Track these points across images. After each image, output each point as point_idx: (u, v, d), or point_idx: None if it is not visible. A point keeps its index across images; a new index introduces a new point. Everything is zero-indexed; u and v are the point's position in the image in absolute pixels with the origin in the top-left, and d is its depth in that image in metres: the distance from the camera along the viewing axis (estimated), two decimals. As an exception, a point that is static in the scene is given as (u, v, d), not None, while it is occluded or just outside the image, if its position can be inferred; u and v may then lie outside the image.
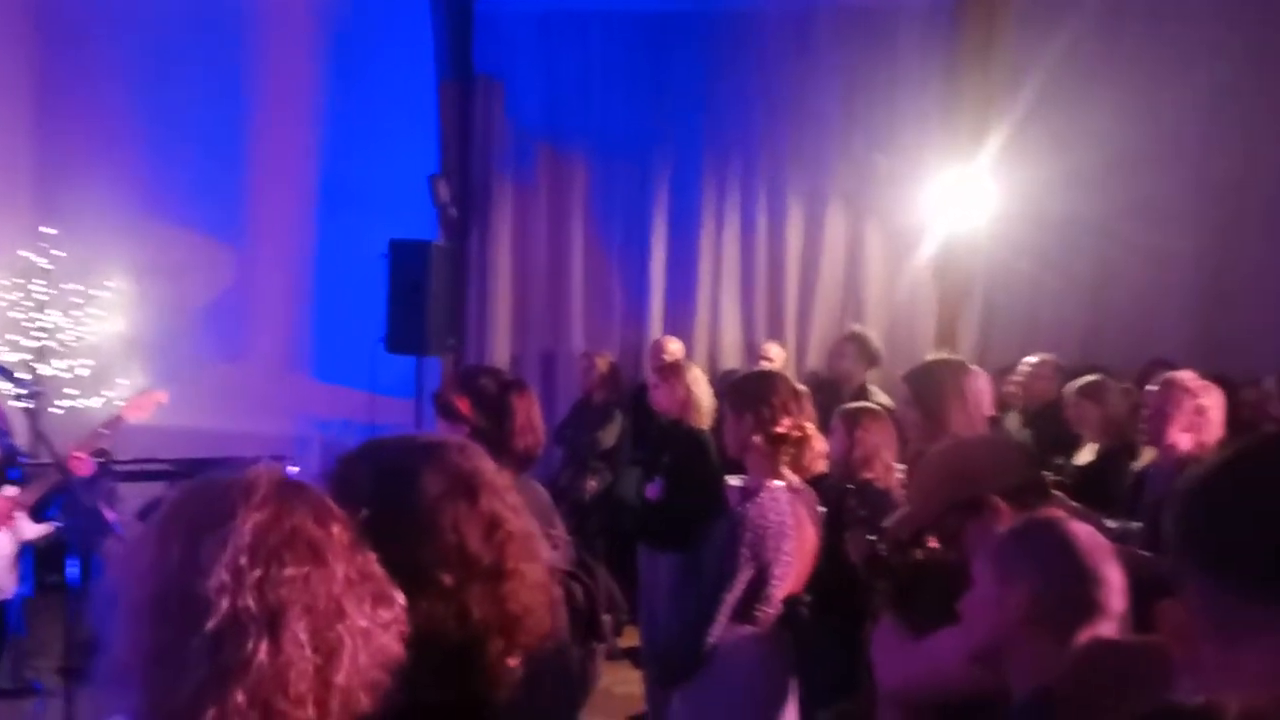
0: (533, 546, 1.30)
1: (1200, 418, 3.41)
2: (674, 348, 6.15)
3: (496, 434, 2.55)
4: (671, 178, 7.14)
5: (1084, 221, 6.30)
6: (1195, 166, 6.36)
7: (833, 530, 3.01)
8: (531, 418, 2.65)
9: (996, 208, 6.44)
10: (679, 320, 7.08)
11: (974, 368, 3.34)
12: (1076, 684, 1.51)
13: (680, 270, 7.18)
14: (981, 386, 3.32)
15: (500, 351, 7.27)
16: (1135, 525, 3.27)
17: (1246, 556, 0.92)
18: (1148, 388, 3.78)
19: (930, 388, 3.00)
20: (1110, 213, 6.24)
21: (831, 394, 5.29)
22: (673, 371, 4.90)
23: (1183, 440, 3.42)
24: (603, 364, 6.37)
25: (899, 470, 3.50)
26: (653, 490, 4.79)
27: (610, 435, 6.12)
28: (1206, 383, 3.55)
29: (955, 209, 6.52)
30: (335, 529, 0.93)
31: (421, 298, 6.30)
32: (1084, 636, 1.55)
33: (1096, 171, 6.12)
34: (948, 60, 6.66)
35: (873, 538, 2.45)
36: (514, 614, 1.24)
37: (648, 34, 7.08)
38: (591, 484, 6.00)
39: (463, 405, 2.62)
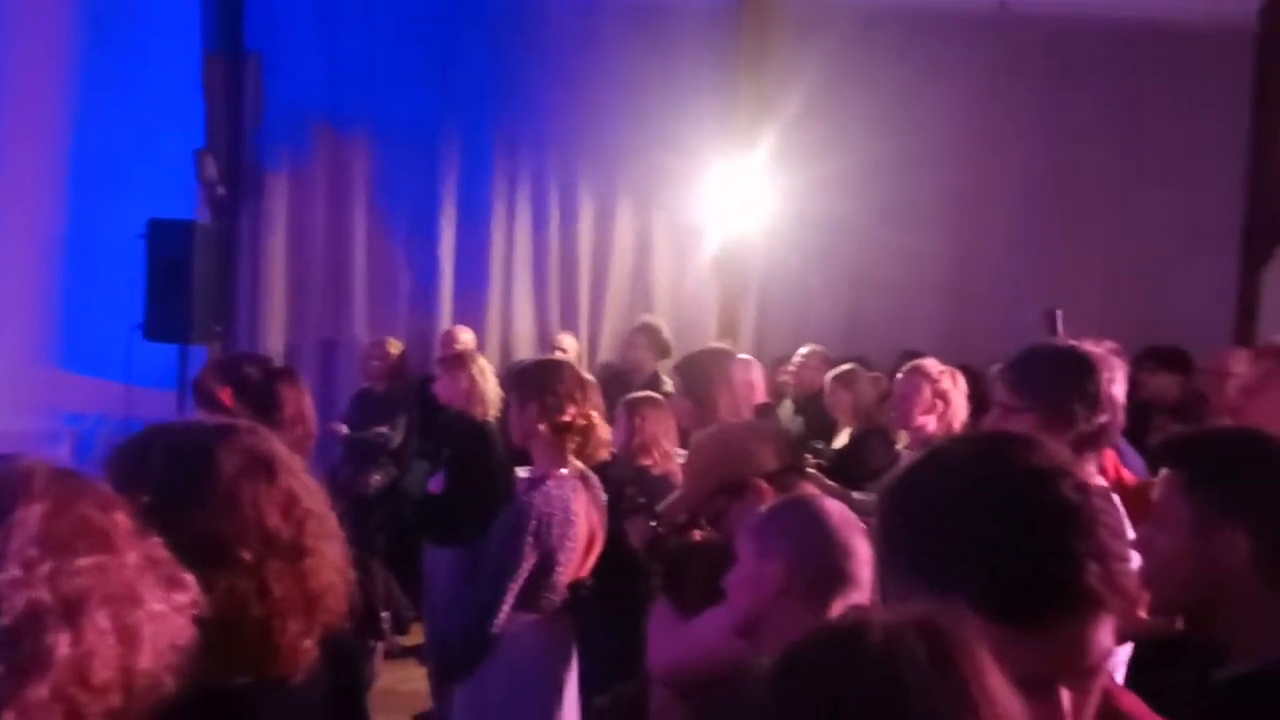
0: (331, 526, 1.31)
1: (942, 401, 3.73)
2: (466, 338, 6.08)
3: (263, 426, 2.43)
4: (461, 164, 7.03)
5: (845, 222, 6.74)
6: (943, 174, 6.93)
7: (616, 516, 3.08)
8: (302, 408, 2.55)
9: (771, 207, 6.79)
10: (470, 310, 7.00)
11: (743, 356, 3.52)
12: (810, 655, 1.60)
13: (471, 259, 7.09)
14: (750, 375, 3.50)
15: (274, 340, 6.92)
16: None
17: (928, 556, 0.97)
18: (897, 376, 4.10)
19: (698, 376, 3.14)
20: (868, 215, 6.71)
21: (624, 384, 5.41)
22: (457, 362, 4.85)
23: (928, 423, 3.73)
24: (395, 350, 6.21)
25: (680, 456, 3.62)
26: (435, 484, 4.72)
27: (395, 428, 5.97)
28: (948, 369, 3.89)
29: (734, 207, 6.82)
30: (119, 515, 0.91)
31: (184, 281, 5.92)
32: (838, 606, 1.64)
33: (856, 175, 6.55)
34: (727, 62, 6.93)
35: (655, 523, 2.53)
36: (314, 592, 1.25)
37: (434, 16, 6.94)
38: (375, 478, 5.83)
39: (224, 395, 2.50)
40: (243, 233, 6.95)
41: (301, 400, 2.55)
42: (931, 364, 3.94)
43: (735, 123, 6.84)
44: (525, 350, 6.97)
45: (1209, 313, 6.86)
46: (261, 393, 2.49)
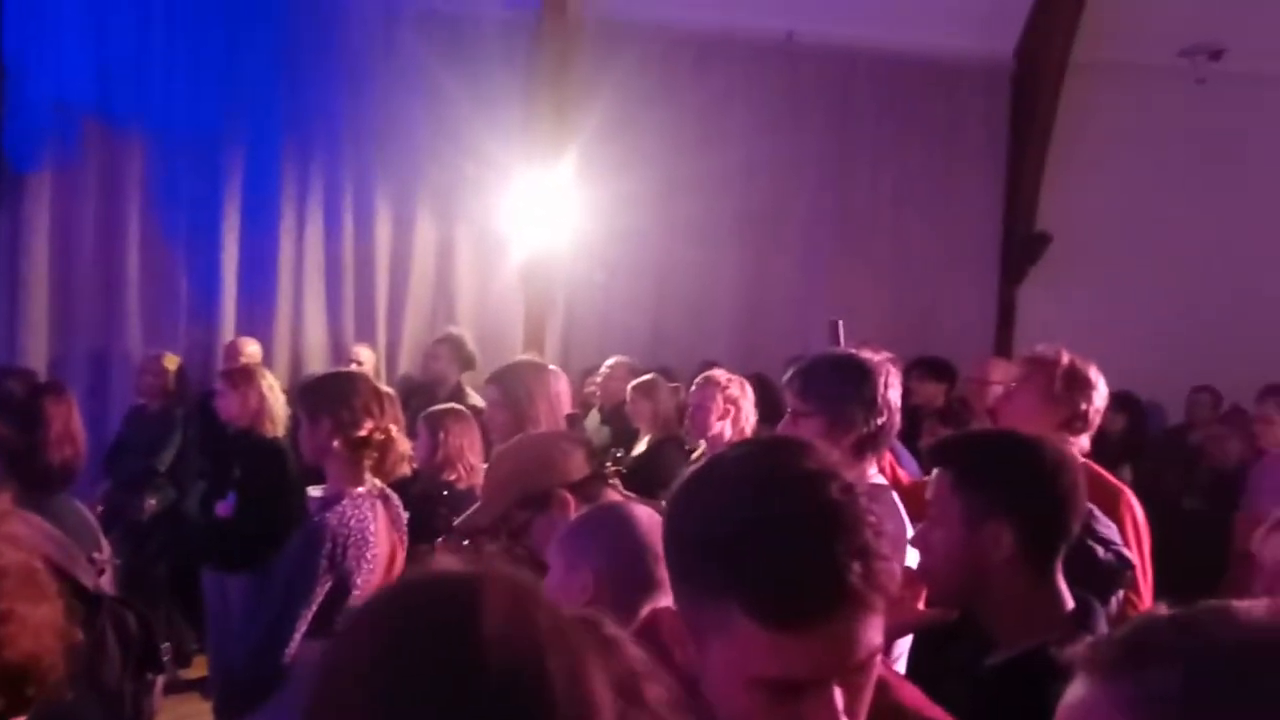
0: (38, 584, 1.13)
1: (733, 408, 3.90)
2: (251, 350, 5.77)
3: (26, 446, 2.22)
4: (246, 167, 6.66)
5: (648, 237, 6.91)
6: (737, 195, 7.23)
7: (417, 535, 3.00)
8: (70, 427, 2.34)
9: (576, 219, 6.85)
10: (256, 321, 6.64)
11: (553, 368, 3.52)
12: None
13: (257, 268, 6.73)
14: (561, 387, 3.51)
15: (36, 352, 6.30)
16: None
17: (703, 561, 0.98)
18: (692, 387, 4.24)
19: (518, 388, 3.11)
20: (669, 230, 6.92)
21: (426, 397, 5.28)
22: (243, 377, 4.59)
23: (722, 430, 3.88)
24: (171, 366, 5.80)
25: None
26: (223, 507, 4.46)
27: (171, 447, 5.57)
28: (735, 378, 4.08)
29: (540, 218, 6.84)
30: None
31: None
32: (646, 610, 1.65)
33: (657, 192, 6.75)
34: (528, 75, 6.95)
35: (464, 540, 2.48)
36: (13, 663, 1.07)
37: (217, 11, 6.56)
38: (150, 502, 5.41)
39: (-18, 413, 2.25)
40: (1, 235, 6.32)
41: (69, 417, 2.33)
42: (721, 374, 4.11)
43: (539, 135, 6.86)
44: (317, 363, 6.69)
45: (972, 326, 7.49)
46: (24, 410, 2.26)
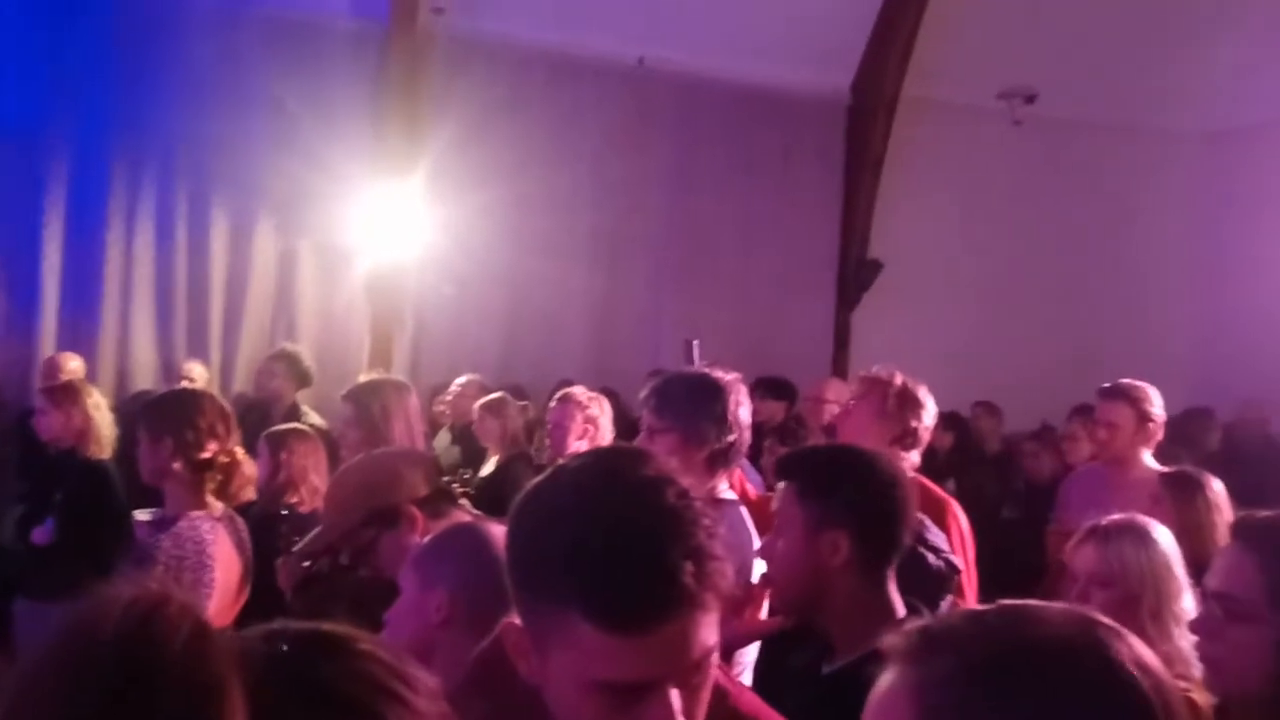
0: None
1: (592, 427, 3.94)
2: (73, 366, 5.40)
3: None
4: (71, 173, 6.27)
5: (500, 253, 6.90)
6: (588, 213, 7.33)
7: (261, 559, 2.89)
8: None
9: (425, 234, 6.76)
10: (80, 336, 6.23)
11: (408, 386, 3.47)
12: (481, 684, 1.61)
13: (81, 279, 6.32)
14: (416, 405, 3.46)
15: None
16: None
17: (542, 570, 1.01)
18: (550, 405, 4.26)
19: (374, 406, 3.05)
20: (522, 247, 6.92)
21: (261, 415, 5.08)
22: (66, 394, 4.31)
23: (581, 449, 3.91)
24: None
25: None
26: (41, 534, 4.16)
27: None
28: (596, 395, 4.12)
29: (386, 234, 6.71)
30: None
31: None
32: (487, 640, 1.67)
33: (509, 208, 6.75)
34: (377, 86, 6.83)
35: (306, 563, 2.41)
36: None
37: (44, 2, 6.15)
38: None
39: None
40: None
41: None
42: (581, 392, 4.14)
43: (387, 147, 6.75)
44: (145, 380, 6.34)
45: (809, 347, 7.82)
46: None
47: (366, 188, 6.60)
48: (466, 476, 4.69)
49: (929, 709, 0.74)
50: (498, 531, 1.76)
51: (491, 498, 4.02)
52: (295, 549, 2.38)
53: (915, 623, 0.80)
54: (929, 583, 2.19)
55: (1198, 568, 2.33)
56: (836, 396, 5.16)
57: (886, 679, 0.79)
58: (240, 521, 2.85)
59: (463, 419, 5.70)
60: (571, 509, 1.02)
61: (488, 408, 5.00)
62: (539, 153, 6.97)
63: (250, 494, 3.51)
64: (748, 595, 2.19)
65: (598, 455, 1.18)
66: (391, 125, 6.79)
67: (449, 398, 5.96)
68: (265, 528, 3.07)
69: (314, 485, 3.55)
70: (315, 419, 5.03)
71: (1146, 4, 7.54)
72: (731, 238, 7.81)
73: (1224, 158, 8.45)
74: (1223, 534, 3.09)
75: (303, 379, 5.63)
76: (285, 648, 0.72)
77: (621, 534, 0.98)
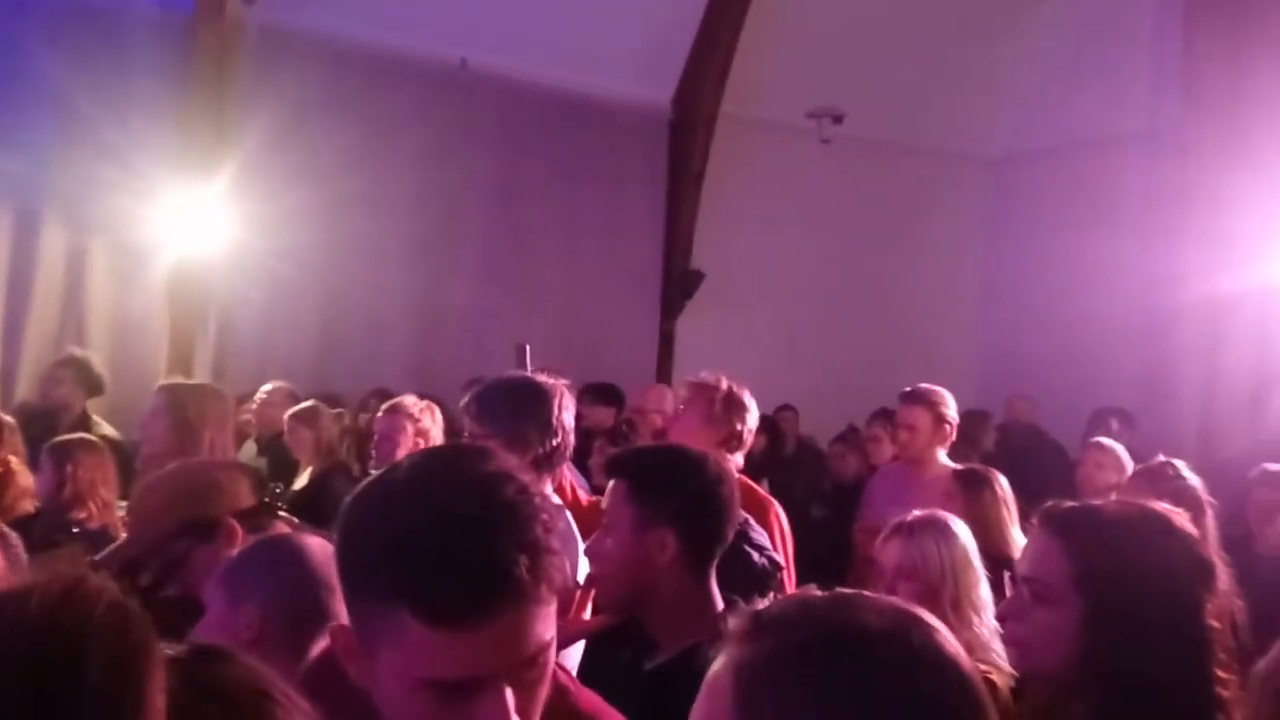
0: None
1: (423, 438, 3.84)
2: None
3: None
4: None
5: (315, 256, 6.62)
6: (410, 216, 7.15)
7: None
8: None
9: (231, 235, 6.41)
10: None
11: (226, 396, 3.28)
12: (316, 690, 1.55)
13: None
14: (231, 418, 3.28)
15: None
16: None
17: (373, 570, 0.98)
18: (378, 415, 4.11)
19: (190, 409, 2.87)
20: (339, 250, 6.67)
21: (48, 425, 4.66)
22: None
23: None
24: None
25: (121, 507, 3.24)
26: None
27: None
28: (426, 404, 4.02)
29: (190, 232, 6.32)
30: None
31: None
32: (321, 643, 1.56)
33: (326, 209, 6.49)
34: (181, 80, 6.43)
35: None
36: None
37: None
38: None
39: None
40: None
41: None
42: (411, 401, 4.02)
43: (192, 143, 6.36)
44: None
45: (636, 354, 7.93)
46: None
47: (168, 183, 6.19)
48: (278, 490, 4.45)
49: (747, 689, 0.76)
50: (315, 545, 1.69)
51: (307, 511, 3.84)
52: (95, 561, 2.19)
53: (751, 607, 0.82)
54: (753, 580, 2.26)
55: (988, 557, 2.52)
56: (658, 404, 5.25)
57: (718, 661, 0.80)
58: (14, 537, 2.59)
59: (270, 429, 5.41)
60: (403, 504, 0.99)
61: (299, 417, 4.78)
62: (357, 152, 6.75)
63: (28, 506, 3.21)
64: (571, 600, 2.19)
65: (434, 452, 1.15)
66: (196, 119, 6.40)
67: (255, 406, 5.65)
68: (50, 544, 2.81)
69: (103, 499, 3.29)
70: (107, 429, 4.66)
71: (944, 32, 8.10)
72: (557, 245, 7.81)
73: (1005, 182, 9.19)
74: (1009, 525, 3.36)
75: (93, 387, 5.21)
76: (172, 653, 0.73)
77: (452, 527, 0.95)
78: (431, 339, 7.26)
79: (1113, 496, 2.29)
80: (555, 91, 7.66)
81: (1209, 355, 7.25)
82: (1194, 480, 3.17)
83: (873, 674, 0.74)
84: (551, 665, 1.03)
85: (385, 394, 5.26)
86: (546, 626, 0.99)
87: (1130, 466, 3.96)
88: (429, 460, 1.09)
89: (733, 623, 0.80)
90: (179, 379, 4.95)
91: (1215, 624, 1.39)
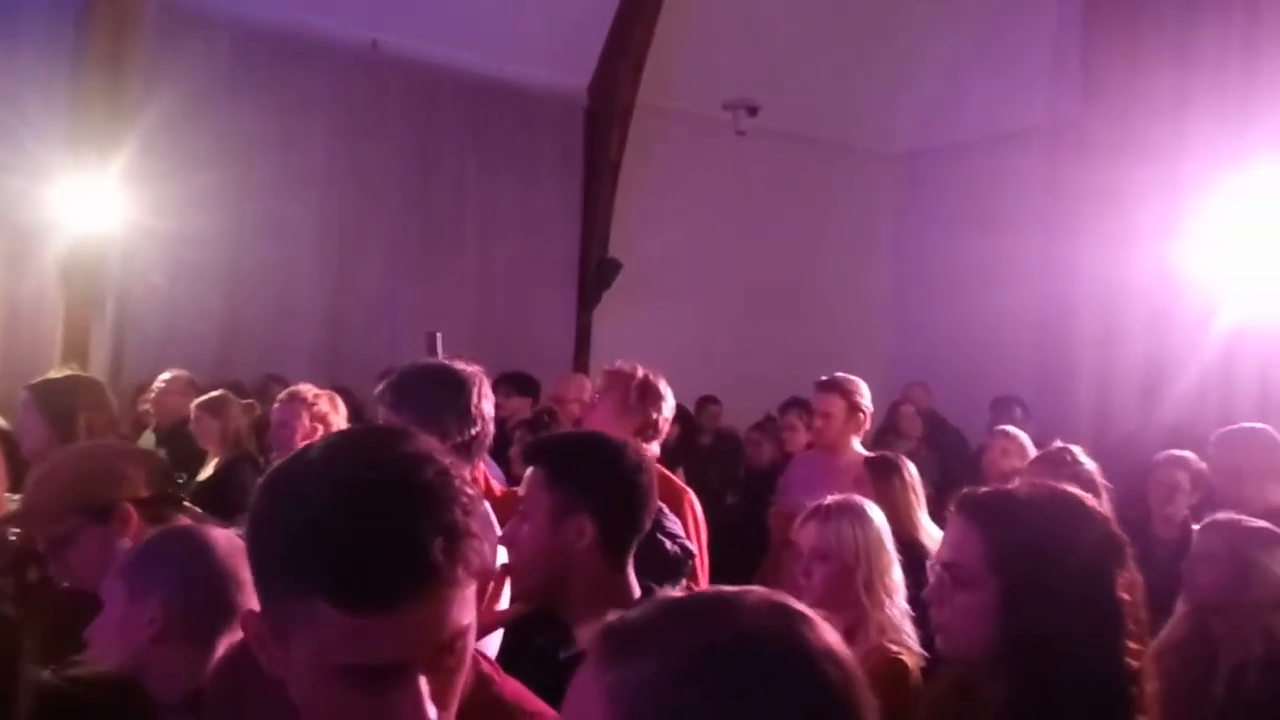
0: None
1: (322, 425, 3.74)
2: None
3: None
4: None
5: (217, 239, 6.40)
6: (319, 199, 6.98)
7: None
8: None
9: (131, 218, 6.16)
10: None
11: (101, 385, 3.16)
12: (226, 687, 1.50)
13: None
14: (113, 406, 3.14)
15: None
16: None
17: (285, 556, 0.95)
18: (274, 404, 4.00)
19: (60, 404, 2.74)
20: (243, 234, 6.46)
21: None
22: None
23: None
24: None
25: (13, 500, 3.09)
26: None
27: None
28: (325, 392, 3.92)
29: (85, 216, 6.04)
30: None
31: None
32: (228, 639, 1.54)
33: (230, 192, 6.28)
34: (77, 57, 6.14)
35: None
36: None
37: None
38: None
39: None
40: None
41: None
42: (308, 389, 3.93)
43: (88, 122, 6.08)
44: None
45: (553, 344, 7.89)
46: None
47: (63, 164, 5.91)
48: (181, 480, 4.31)
49: (628, 709, 0.73)
50: (220, 537, 1.64)
51: (213, 502, 3.72)
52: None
53: (610, 618, 0.78)
54: (666, 567, 2.26)
55: (897, 541, 2.58)
56: (577, 394, 5.24)
57: (582, 678, 0.77)
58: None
59: (170, 418, 5.21)
60: (316, 486, 0.95)
61: (206, 407, 4.62)
62: (265, 134, 6.55)
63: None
64: (485, 589, 2.17)
65: (349, 433, 1.12)
66: (93, 98, 6.12)
67: (153, 395, 5.44)
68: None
69: (-6, 494, 3.12)
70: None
71: (855, 26, 8.24)
72: (472, 232, 7.71)
73: (911, 176, 9.42)
74: (917, 510, 3.45)
75: (-21, 375, 4.95)
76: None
77: (367, 508, 0.92)
78: (341, 327, 7.10)
79: (1015, 481, 2.37)
80: (470, 77, 7.55)
81: (1103, 345, 7.55)
82: (1090, 465, 3.30)
83: (759, 675, 0.73)
84: (470, 652, 1.01)
85: (282, 381, 5.12)
86: (464, 611, 0.97)
87: (1032, 452, 4.10)
88: (343, 441, 1.06)
89: (592, 636, 0.77)
90: (73, 368, 4.74)
91: (1126, 597, 1.44)
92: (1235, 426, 3.53)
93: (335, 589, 0.90)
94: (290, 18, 6.73)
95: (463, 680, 1.00)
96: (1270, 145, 6.28)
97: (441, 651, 0.96)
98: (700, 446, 7.24)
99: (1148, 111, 7.29)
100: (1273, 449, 3.33)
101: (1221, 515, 2.41)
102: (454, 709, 1.00)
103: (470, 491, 0.99)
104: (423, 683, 0.93)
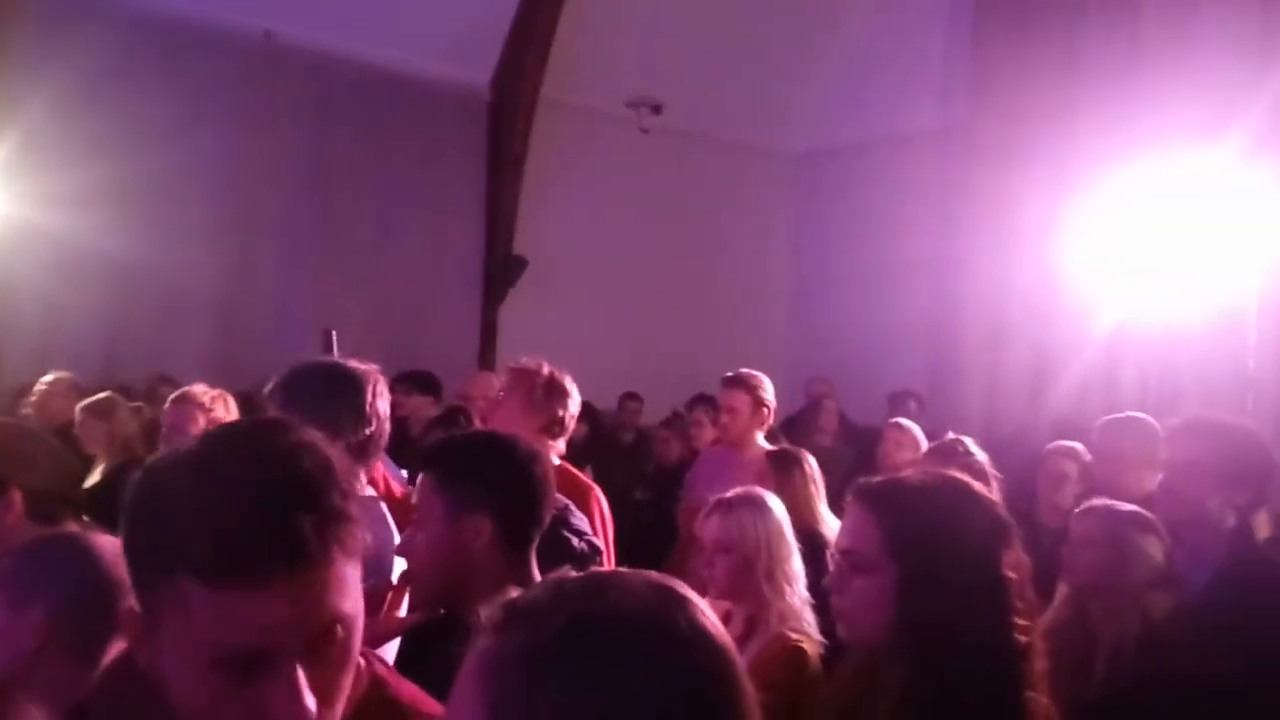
0: None
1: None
2: None
3: None
4: None
5: (105, 234, 6.12)
6: (212, 193, 6.74)
7: None
8: None
9: (11, 213, 5.88)
10: None
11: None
12: (110, 699, 1.45)
13: None
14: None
15: None
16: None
17: (153, 537, 0.94)
18: (165, 405, 3.87)
19: None
20: (132, 227, 6.20)
21: None
22: None
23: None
24: None
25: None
26: None
27: None
28: (218, 393, 3.80)
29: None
30: None
31: None
32: (114, 649, 1.48)
33: (117, 187, 6.03)
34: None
35: None
36: None
37: None
38: None
39: None
40: None
41: None
42: (201, 390, 3.81)
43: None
44: None
45: (457, 342, 7.79)
46: None
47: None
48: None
49: (497, 679, 0.73)
50: (107, 544, 1.57)
51: (100, 510, 3.56)
52: None
53: (505, 599, 0.79)
54: (572, 565, 2.26)
55: (798, 532, 2.64)
56: (484, 392, 5.18)
57: (468, 656, 0.77)
58: None
59: (52, 422, 4.98)
60: (189, 469, 0.94)
61: (92, 410, 4.45)
62: (155, 126, 6.30)
63: None
64: (386, 594, 2.13)
65: (231, 425, 1.09)
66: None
67: (35, 398, 5.20)
68: None
69: None
70: None
71: (755, 27, 8.36)
72: (371, 228, 7.56)
73: (808, 176, 9.61)
74: (817, 502, 3.53)
75: None
76: None
77: (238, 486, 0.91)
78: (235, 326, 6.88)
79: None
80: (369, 69, 7.39)
81: (993, 341, 7.83)
82: (981, 456, 3.42)
83: (628, 653, 0.73)
84: (355, 645, 0.98)
85: (173, 382, 4.96)
86: (342, 597, 0.94)
87: (925, 444, 4.23)
88: (223, 431, 1.05)
89: (486, 614, 0.78)
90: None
91: (1013, 576, 1.50)
92: (1117, 416, 3.69)
93: (200, 562, 0.89)
94: (182, 6, 6.51)
95: (349, 677, 0.98)
96: (1150, 147, 6.60)
97: (319, 639, 0.93)
98: (622, 444, 7.27)
99: (1034, 115, 7.58)
100: (1151, 437, 3.50)
101: (1098, 501, 2.53)
102: (340, 706, 0.97)
103: (351, 481, 0.97)
104: (299, 673, 0.91)
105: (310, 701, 0.91)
